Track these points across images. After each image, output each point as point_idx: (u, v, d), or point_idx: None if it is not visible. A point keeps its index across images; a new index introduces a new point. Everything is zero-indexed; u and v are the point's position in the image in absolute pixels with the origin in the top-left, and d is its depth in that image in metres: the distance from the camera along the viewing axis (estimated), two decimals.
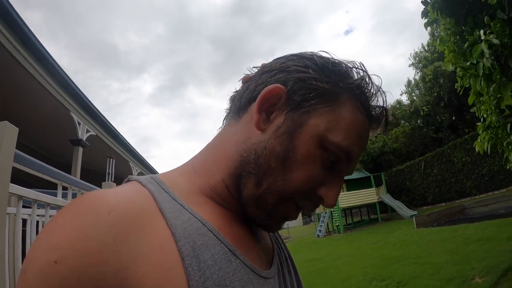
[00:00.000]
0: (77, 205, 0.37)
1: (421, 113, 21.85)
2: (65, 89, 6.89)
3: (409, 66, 24.62)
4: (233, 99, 0.57)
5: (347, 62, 0.52)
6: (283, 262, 0.59)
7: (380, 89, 0.52)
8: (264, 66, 0.55)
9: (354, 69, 0.52)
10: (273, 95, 0.49)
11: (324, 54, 0.52)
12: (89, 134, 8.26)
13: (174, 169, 0.55)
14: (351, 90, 0.50)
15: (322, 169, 0.48)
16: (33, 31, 5.24)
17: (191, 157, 0.57)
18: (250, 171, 0.48)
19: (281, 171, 0.47)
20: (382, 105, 0.53)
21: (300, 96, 0.49)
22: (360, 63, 0.52)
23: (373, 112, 0.52)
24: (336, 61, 0.51)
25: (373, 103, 0.52)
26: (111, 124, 9.28)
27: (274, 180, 0.47)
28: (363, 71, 0.52)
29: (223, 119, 0.58)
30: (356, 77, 0.51)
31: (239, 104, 0.54)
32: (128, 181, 0.49)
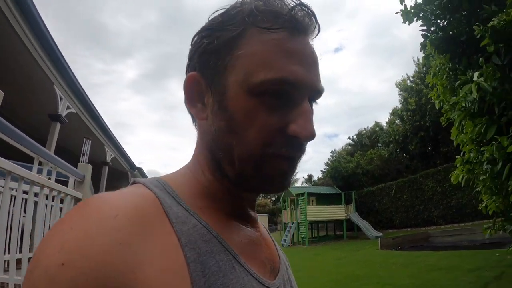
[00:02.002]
0: (84, 208, 0.38)
1: (399, 139, 22.38)
2: (53, 62, 6.61)
3: (398, 94, 24.94)
4: None
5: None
6: (284, 274, 0.57)
7: None
8: None
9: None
10: (191, 84, 0.50)
11: (222, 9, 0.50)
12: (69, 111, 7.97)
13: (177, 170, 0.55)
14: (244, 22, 0.46)
15: (272, 112, 0.45)
16: None
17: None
18: (221, 156, 0.48)
19: (239, 139, 0.46)
20: (293, 5, 0.47)
21: (209, 68, 0.48)
22: None
23: (288, 19, 0.46)
24: (228, 7, 0.49)
25: (283, 11, 0.46)
26: (93, 105, 8.97)
27: (239, 150, 0.46)
28: None
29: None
30: (248, 6, 0.47)
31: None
32: (134, 183, 0.48)
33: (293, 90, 0.45)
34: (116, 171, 13.46)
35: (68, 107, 7.94)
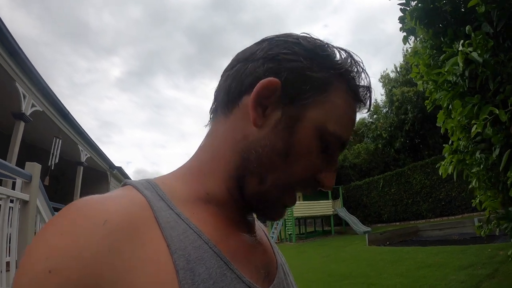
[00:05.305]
0: (71, 213, 0.37)
1: (383, 135, 22.25)
2: (13, 57, 6.23)
3: (382, 87, 24.79)
4: (217, 96, 0.54)
5: (330, 44, 0.51)
6: (283, 281, 0.55)
7: (364, 69, 0.51)
8: (243, 53, 0.52)
9: (337, 50, 0.50)
10: (268, 88, 0.47)
11: (307, 37, 0.51)
12: (34, 109, 7.54)
13: (171, 172, 0.53)
14: (341, 76, 0.49)
15: (318, 156, 0.48)
16: None
17: (188, 159, 0.55)
18: (253, 170, 0.47)
19: (284, 166, 0.47)
20: (367, 85, 0.52)
21: (296, 89, 0.47)
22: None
23: (361, 93, 0.51)
24: (324, 44, 0.50)
25: (360, 84, 0.51)
26: (60, 102, 8.57)
27: (278, 175, 0.47)
28: (346, 52, 0.51)
29: (209, 117, 0.56)
30: (342, 60, 0.50)
31: (227, 99, 0.51)
32: (124, 185, 0.47)
33: (339, 148, 0.50)
34: (93, 171, 12.96)
35: (33, 105, 7.53)
